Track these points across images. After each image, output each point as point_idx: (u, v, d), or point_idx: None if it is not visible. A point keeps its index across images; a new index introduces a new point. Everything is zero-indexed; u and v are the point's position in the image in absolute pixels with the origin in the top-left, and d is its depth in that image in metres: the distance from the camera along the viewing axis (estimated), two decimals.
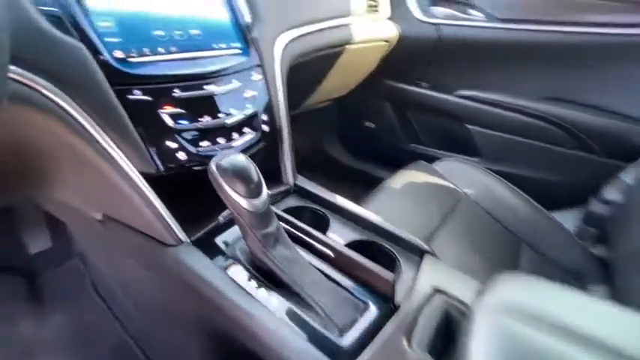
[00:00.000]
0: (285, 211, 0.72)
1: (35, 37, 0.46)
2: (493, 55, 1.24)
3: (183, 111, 0.58)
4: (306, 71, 1.01)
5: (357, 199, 0.92)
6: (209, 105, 0.62)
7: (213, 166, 0.49)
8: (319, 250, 0.58)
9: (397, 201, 1.00)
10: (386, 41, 1.30)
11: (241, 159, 0.50)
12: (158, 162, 0.56)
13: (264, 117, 0.73)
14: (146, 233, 0.59)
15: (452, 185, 1.10)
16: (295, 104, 1.32)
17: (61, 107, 0.48)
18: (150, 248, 0.59)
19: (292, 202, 0.77)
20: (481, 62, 1.29)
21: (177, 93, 0.58)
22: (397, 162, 1.27)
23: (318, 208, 0.75)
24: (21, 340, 0.97)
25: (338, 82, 1.39)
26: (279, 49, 0.81)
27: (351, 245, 0.64)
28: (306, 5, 0.96)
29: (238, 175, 0.49)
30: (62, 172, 0.62)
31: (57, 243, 1.10)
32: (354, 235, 0.67)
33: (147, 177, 0.56)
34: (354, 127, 1.71)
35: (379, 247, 0.65)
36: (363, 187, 1.74)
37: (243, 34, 0.72)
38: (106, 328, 1.00)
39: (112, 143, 0.52)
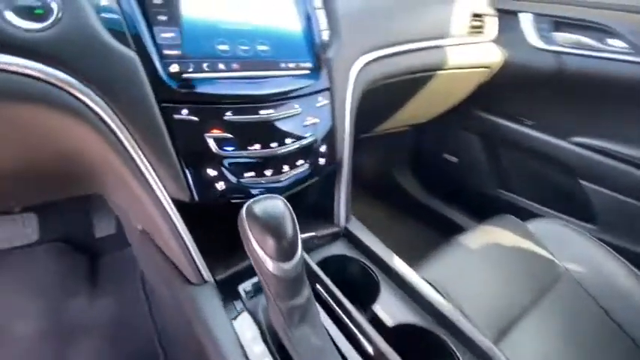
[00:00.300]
0: (327, 260, 0.61)
1: (86, 41, 0.43)
2: (633, 97, 0.96)
3: (231, 136, 0.52)
4: (382, 96, 0.89)
5: (422, 247, 0.77)
6: (261, 132, 0.55)
7: (243, 211, 0.41)
8: (355, 337, 0.46)
9: (474, 266, 0.81)
10: (487, 67, 1.11)
11: (278, 207, 0.41)
12: (194, 190, 0.50)
13: (323, 148, 0.63)
14: (173, 263, 0.54)
15: (548, 254, 0.87)
16: (364, 130, 1.20)
17: (103, 120, 0.45)
18: (173, 279, 0.54)
19: (339, 248, 0.66)
20: (613, 105, 1.01)
21: (228, 116, 0.51)
22: (479, 208, 1.07)
23: (368, 264, 0.62)
24: (68, 315, 1.04)
25: (420, 110, 1.23)
26: (355, 71, 0.71)
27: (399, 329, 0.50)
28: (399, 23, 0.83)
29: (270, 228, 0.40)
30: (108, 182, 0.60)
31: (121, 231, 1.16)
32: (405, 316, 0.53)
33: (180, 204, 0.51)
34: (431, 158, 1.53)
35: (438, 341, 0.50)
36: (432, 228, 1.56)
37: (317, 53, 0.64)
38: (141, 324, 1.01)
39: (147, 164, 0.48)
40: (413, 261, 0.78)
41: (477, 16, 1.05)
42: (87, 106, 0.44)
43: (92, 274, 1.13)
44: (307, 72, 0.62)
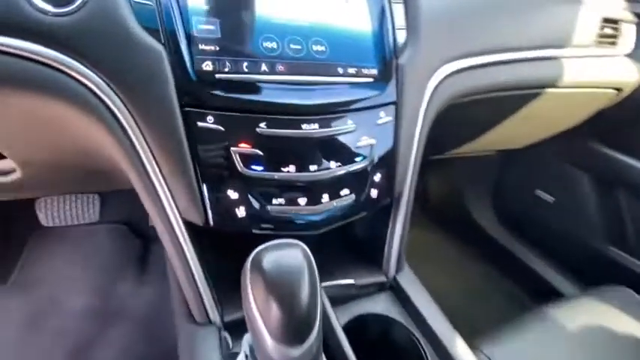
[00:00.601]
0: (363, 319, 0.48)
1: (111, 30, 0.37)
2: None
3: (261, 153, 0.42)
4: (465, 112, 0.72)
5: (493, 308, 0.59)
6: (300, 150, 0.44)
7: (249, 261, 0.31)
8: None
9: (562, 354, 0.60)
10: (616, 89, 0.85)
11: (296, 262, 0.30)
12: (210, 213, 0.42)
13: (378, 177, 0.50)
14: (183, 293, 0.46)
15: None
16: (436, 151, 1.02)
17: (117, 119, 0.39)
18: (177, 308, 0.46)
19: (381, 305, 0.52)
20: None
21: (262, 128, 0.42)
22: (578, 266, 0.82)
23: (415, 333, 0.48)
24: (114, 297, 1.07)
25: (514, 133, 1.01)
26: (434, 83, 0.56)
27: None
28: (501, 26, 0.66)
29: (279, 292, 0.29)
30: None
31: None
32: None
33: (193, 227, 0.43)
34: (518, 192, 1.27)
35: None
36: (510, 279, 1.28)
37: (385, 58, 0.51)
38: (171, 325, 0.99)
39: (160, 176, 0.41)
40: (476, 330, 0.60)
41: (609, 21, 0.80)
42: (102, 101, 0.38)
43: (142, 261, 1.16)
44: (370, 80, 0.49)
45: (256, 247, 0.32)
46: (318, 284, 0.31)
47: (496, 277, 1.29)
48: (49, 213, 1.11)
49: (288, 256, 0.31)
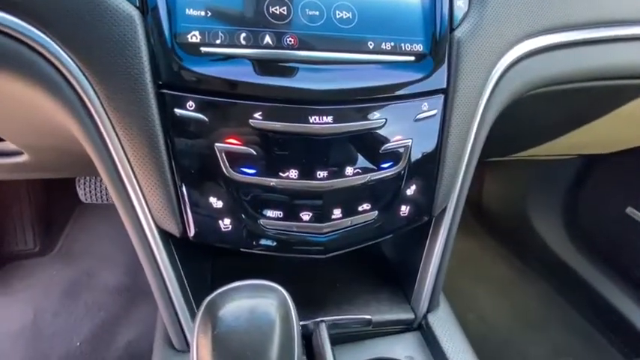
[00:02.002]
0: None
1: None
2: None
3: (253, 152, 0.32)
4: (538, 110, 0.56)
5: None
6: (305, 150, 0.33)
7: (202, 307, 0.22)
8: None
9: None
10: None
11: (265, 323, 0.21)
12: (189, 223, 0.33)
13: (412, 188, 0.38)
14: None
15: None
16: (495, 153, 0.84)
17: (81, 100, 0.32)
18: (157, 334, 0.40)
19: (404, 348, 0.41)
20: None
21: (256, 120, 0.32)
22: None
23: None
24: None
25: (602, 136, 0.79)
26: (501, 67, 0.42)
27: None
28: None
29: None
30: None
31: None
32: None
33: (169, 237, 0.35)
34: (601, 207, 1.03)
35: None
36: (582, 313, 1.06)
37: (437, 29, 0.38)
38: None
39: (132, 176, 0.33)
40: None
41: None
42: (66, 79, 0.31)
43: None
44: (411, 59, 0.37)
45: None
46: (297, 351, 0.22)
47: (558, 303, 1.08)
48: (87, 190, 1.15)
49: (255, 308, 0.21)
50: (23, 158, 0.55)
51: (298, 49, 0.34)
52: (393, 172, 0.36)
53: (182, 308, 0.36)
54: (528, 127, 0.67)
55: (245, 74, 0.32)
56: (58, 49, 0.30)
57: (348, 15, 0.36)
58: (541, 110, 0.57)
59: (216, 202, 0.33)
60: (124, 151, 0.33)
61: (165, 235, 0.35)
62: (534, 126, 0.68)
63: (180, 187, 0.33)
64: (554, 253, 1.08)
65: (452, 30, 0.38)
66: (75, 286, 1.09)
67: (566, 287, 1.06)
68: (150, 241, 0.35)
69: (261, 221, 0.34)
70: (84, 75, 0.31)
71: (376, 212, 0.37)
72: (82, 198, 1.16)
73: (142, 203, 0.34)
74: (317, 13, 0.35)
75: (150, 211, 0.34)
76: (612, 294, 0.96)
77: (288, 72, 0.33)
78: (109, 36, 0.30)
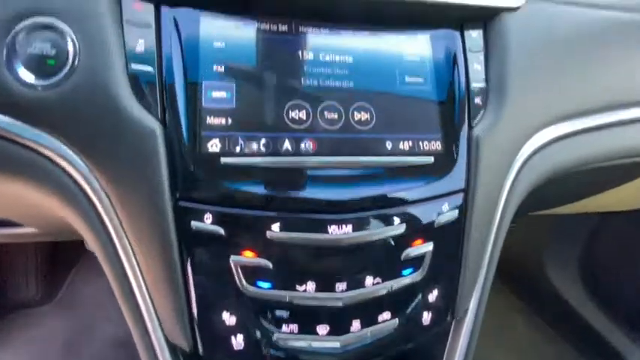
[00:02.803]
0: None
1: (98, 105, 0.30)
2: None
3: (270, 265, 0.31)
4: (557, 186, 0.54)
5: None
6: (324, 262, 0.32)
7: None
8: None
9: None
10: None
11: None
12: (199, 339, 0.32)
13: (434, 294, 0.36)
14: None
15: None
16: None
17: (98, 213, 0.31)
18: None
19: None
20: None
21: (273, 232, 0.31)
22: None
23: None
24: None
25: (622, 197, 0.78)
26: (522, 158, 0.41)
27: None
28: (619, 71, 0.48)
29: None
30: None
31: None
32: None
33: (178, 352, 0.33)
34: (619, 265, 0.99)
35: None
36: None
37: (455, 126, 0.38)
38: None
39: (142, 285, 0.32)
40: None
41: None
42: (81, 189, 0.31)
43: None
44: (429, 161, 0.36)
45: None
46: None
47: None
48: None
49: None
50: (25, 230, 0.54)
51: (317, 154, 0.34)
52: (414, 280, 0.34)
53: None
54: (547, 196, 0.66)
55: (264, 186, 0.32)
56: (78, 159, 0.30)
57: (366, 116, 0.36)
58: (559, 185, 0.55)
59: (229, 318, 0.31)
60: (137, 261, 0.32)
61: (174, 350, 0.33)
62: (551, 195, 0.66)
63: (193, 300, 0.31)
64: (574, 311, 1.03)
65: (470, 127, 0.38)
66: (76, 339, 1.05)
67: (589, 350, 1.00)
68: (157, 354, 0.33)
69: (276, 336, 0.32)
70: (100, 186, 0.31)
71: (397, 321, 0.35)
72: (87, 246, 1.15)
73: (152, 314, 0.32)
74: (336, 116, 0.35)
75: (160, 323, 0.32)
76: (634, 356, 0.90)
77: (307, 181, 0.33)
78: (130, 150, 0.30)
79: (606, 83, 0.47)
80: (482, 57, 0.40)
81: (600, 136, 0.48)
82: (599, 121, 0.47)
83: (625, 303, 0.98)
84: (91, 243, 0.33)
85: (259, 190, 0.31)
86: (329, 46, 0.37)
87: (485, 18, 0.41)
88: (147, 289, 0.32)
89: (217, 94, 0.33)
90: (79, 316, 1.09)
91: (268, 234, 0.31)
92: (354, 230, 0.32)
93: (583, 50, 0.46)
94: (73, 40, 0.30)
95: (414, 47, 0.39)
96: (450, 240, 0.36)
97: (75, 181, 0.31)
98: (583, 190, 0.67)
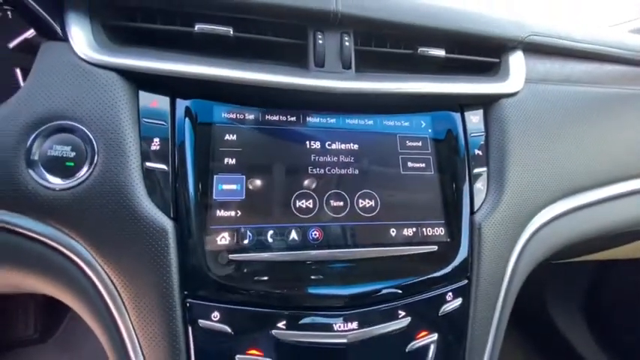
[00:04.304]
0: None
1: (113, 206, 0.31)
2: None
3: None
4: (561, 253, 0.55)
5: None
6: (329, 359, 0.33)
7: None
8: None
9: None
10: None
11: None
12: None
13: None
14: None
15: None
16: None
17: (108, 309, 0.32)
18: None
19: None
20: None
21: (278, 331, 0.32)
22: None
23: None
24: None
25: (629, 250, 0.77)
26: (524, 238, 0.42)
27: None
28: (615, 149, 0.49)
29: None
30: None
31: None
32: None
33: None
34: (624, 304, 0.98)
35: None
36: None
37: (456, 214, 0.39)
38: None
39: None
40: None
41: None
42: (93, 284, 0.32)
43: None
44: (433, 248, 0.37)
45: None
46: None
47: None
48: None
49: None
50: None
51: (323, 244, 0.34)
52: None
53: None
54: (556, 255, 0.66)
55: (271, 283, 0.32)
56: (89, 256, 0.31)
57: (370, 203, 0.37)
58: (563, 252, 0.56)
59: None
60: (142, 353, 0.32)
61: None
62: (554, 257, 0.66)
63: None
64: (573, 346, 1.01)
65: (472, 213, 0.39)
66: None
67: None
68: None
69: None
70: (111, 281, 0.31)
71: None
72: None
73: None
74: (341, 203, 0.36)
75: None
76: None
77: (312, 276, 0.33)
78: (142, 248, 0.31)
79: (603, 159, 0.49)
80: (482, 142, 0.42)
81: (602, 209, 0.49)
82: (599, 195, 0.48)
83: (628, 342, 0.96)
84: (96, 329, 0.33)
85: (265, 287, 0.32)
86: (335, 135, 0.38)
87: (485, 104, 0.43)
88: None
89: (227, 187, 0.34)
90: (77, 355, 1.07)
91: (274, 332, 0.31)
92: (359, 326, 0.32)
93: (578, 128, 0.47)
94: (92, 144, 0.31)
95: (415, 132, 0.41)
96: (455, 326, 0.37)
97: (85, 275, 0.31)
98: (592, 249, 0.67)
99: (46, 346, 1.12)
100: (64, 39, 0.32)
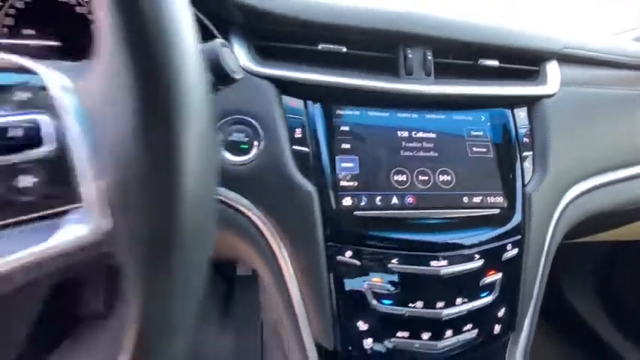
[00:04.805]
0: None
1: (276, 177, 0.43)
2: None
3: (392, 289, 0.44)
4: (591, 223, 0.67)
5: None
6: (427, 287, 0.45)
7: None
8: None
9: None
10: None
11: None
12: (339, 340, 0.44)
13: (502, 312, 0.49)
14: None
15: None
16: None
17: (273, 253, 0.45)
18: None
19: None
20: None
21: (393, 264, 0.44)
22: None
23: None
24: (196, 338, 1.14)
25: None
26: (561, 207, 0.54)
27: None
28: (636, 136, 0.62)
29: None
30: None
31: (255, 275, 1.25)
32: None
33: (321, 350, 0.46)
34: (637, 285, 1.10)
35: None
36: None
37: (513, 185, 0.51)
38: None
39: (301, 302, 0.45)
40: None
41: None
42: (261, 233, 0.44)
43: (226, 305, 1.24)
44: (496, 211, 0.50)
45: None
46: None
47: None
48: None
49: None
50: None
51: (416, 207, 0.47)
52: (488, 301, 0.47)
53: None
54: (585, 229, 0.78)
55: (384, 231, 0.45)
56: (262, 215, 0.44)
57: (448, 178, 0.49)
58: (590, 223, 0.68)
59: (362, 325, 0.44)
60: (299, 288, 0.44)
61: (319, 347, 0.46)
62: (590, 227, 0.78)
63: (337, 312, 0.44)
64: (598, 336, 1.12)
65: (523, 186, 0.51)
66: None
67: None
68: (307, 347, 0.45)
69: (393, 340, 0.45)
70: (277, 232, 0.44)
71: (476, 330, 0.47)
72: None
73: (305, 321, 0.45)
74: (426, 178, 0.49)
75: (311, 329, 0.45)
76: None
77: (413, 228, 0.46)
78: (296, 206, 0.44)
79: (623, 145, 0.61)
80: (528, 132, 0.54)
81: (627, 185, 0.61)
82: (624, 174, 0.60)
83: None
84: (262, 270, 0.46)
85: (381, 234, 0.45)
86: (418, 126, 0.51)
87: (529, 103, 0.55)
88: (304, 303, 0.45)
89: (346, 165, 0.47)
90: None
91: (389, 265, 0.44)
92: (448, 264, 0.45)
93: (602, 121, 0.59)
94: (258, 132, 0.44)
95: (477, 124, 0.53)
96: (513, 270, 0.49)
97: (258, 229, 0.44)
98: (615, 223, 0.79)
99: (106, 322, 1.25)
100: None
